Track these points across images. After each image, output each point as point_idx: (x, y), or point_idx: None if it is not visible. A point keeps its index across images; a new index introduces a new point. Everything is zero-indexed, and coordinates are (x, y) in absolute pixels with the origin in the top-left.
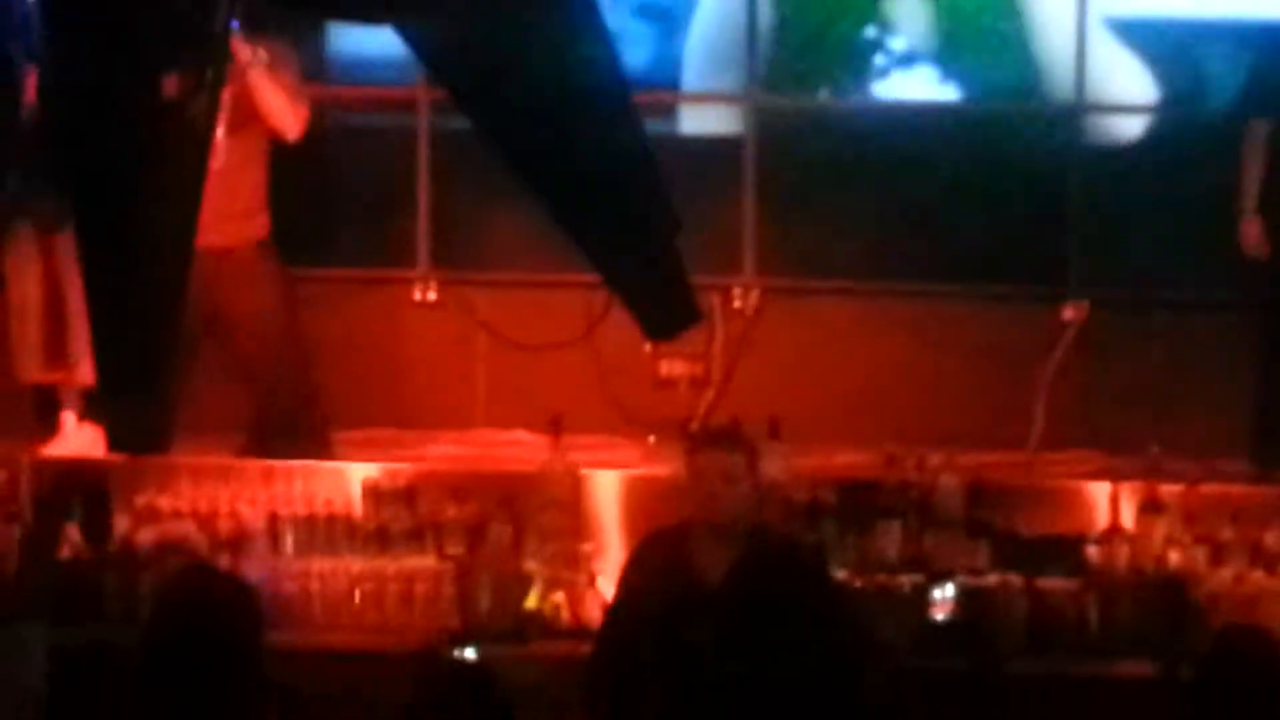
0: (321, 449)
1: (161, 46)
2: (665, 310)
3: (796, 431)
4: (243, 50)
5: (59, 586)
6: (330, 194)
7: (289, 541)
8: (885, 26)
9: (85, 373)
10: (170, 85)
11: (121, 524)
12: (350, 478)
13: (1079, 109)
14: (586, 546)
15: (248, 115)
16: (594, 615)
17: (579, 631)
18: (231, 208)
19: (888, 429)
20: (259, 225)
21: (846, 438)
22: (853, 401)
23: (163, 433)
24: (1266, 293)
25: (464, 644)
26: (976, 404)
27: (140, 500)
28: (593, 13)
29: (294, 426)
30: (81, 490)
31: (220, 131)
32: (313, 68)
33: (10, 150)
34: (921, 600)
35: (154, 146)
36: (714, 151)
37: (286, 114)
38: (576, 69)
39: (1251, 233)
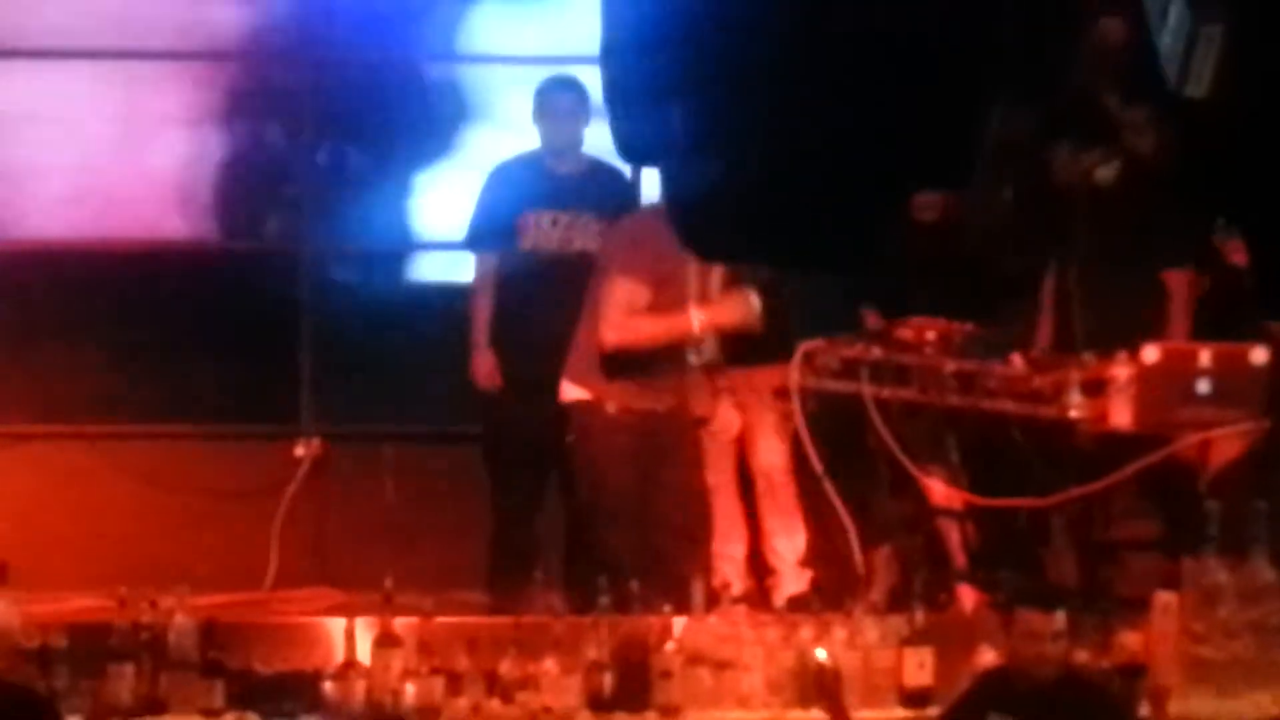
0: None
1: None
2: None
3: (27, 577)
4: None
5: None
6: None
7: None
8: None
9: None
10: None
11: None
12: None
13: (308, 249)
14: None
15: None
16: None
17: None
18: None
19: (123, 572)
20: None
21: (79, 582)
22: (85, 545)
23: None
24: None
25: None
26: (212, 544)
27: None
28: None
29: None
30: None
31: None
32: None
33: None
34: None
35: None
36: None
37: None
38: None
39: (483, 365)
